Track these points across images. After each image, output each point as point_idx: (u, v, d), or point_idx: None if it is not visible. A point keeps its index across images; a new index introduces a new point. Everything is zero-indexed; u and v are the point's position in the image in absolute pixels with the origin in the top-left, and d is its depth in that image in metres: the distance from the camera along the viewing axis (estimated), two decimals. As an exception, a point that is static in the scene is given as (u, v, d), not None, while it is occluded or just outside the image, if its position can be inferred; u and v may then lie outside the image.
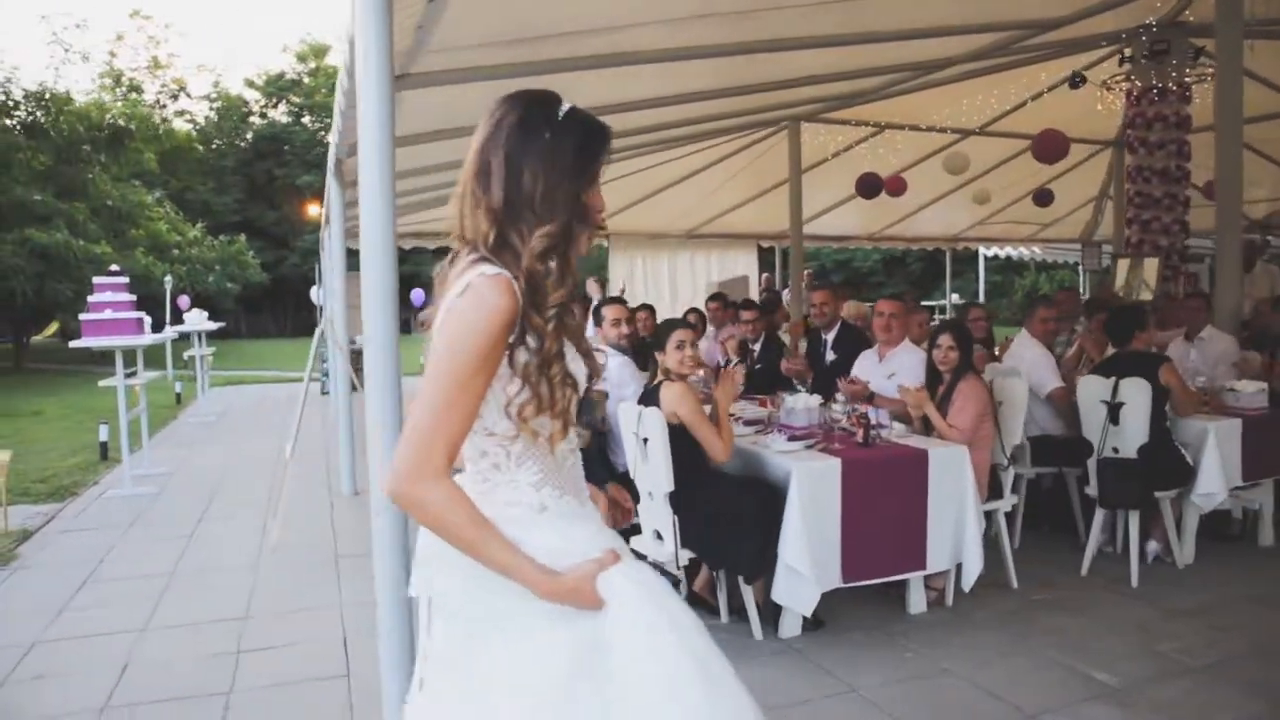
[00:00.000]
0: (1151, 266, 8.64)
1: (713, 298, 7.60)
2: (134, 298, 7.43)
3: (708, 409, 4.07)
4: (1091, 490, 4.75)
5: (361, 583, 4.77)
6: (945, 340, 4.53)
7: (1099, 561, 4.88)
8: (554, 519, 1.54)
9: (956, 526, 4.07)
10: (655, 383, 4.14)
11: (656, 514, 3.94)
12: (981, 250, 17.61)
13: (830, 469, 3.85)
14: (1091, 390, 4.77)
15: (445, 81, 5.78)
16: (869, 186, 10.48)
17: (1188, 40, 8.67)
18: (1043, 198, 12.47)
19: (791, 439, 4.16)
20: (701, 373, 5.15)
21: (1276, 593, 4.48)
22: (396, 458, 1.44)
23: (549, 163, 1.50)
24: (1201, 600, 4.39)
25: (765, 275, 14.30)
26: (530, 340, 1.48)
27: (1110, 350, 5.14)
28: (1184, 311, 5.97)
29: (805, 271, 17.14)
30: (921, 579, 4.23)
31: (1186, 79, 8.70)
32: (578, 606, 1.47)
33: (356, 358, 14.94)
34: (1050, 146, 8.82)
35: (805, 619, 3.98)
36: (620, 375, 4.56)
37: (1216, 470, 4.65)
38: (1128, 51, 8.66)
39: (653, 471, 3.86)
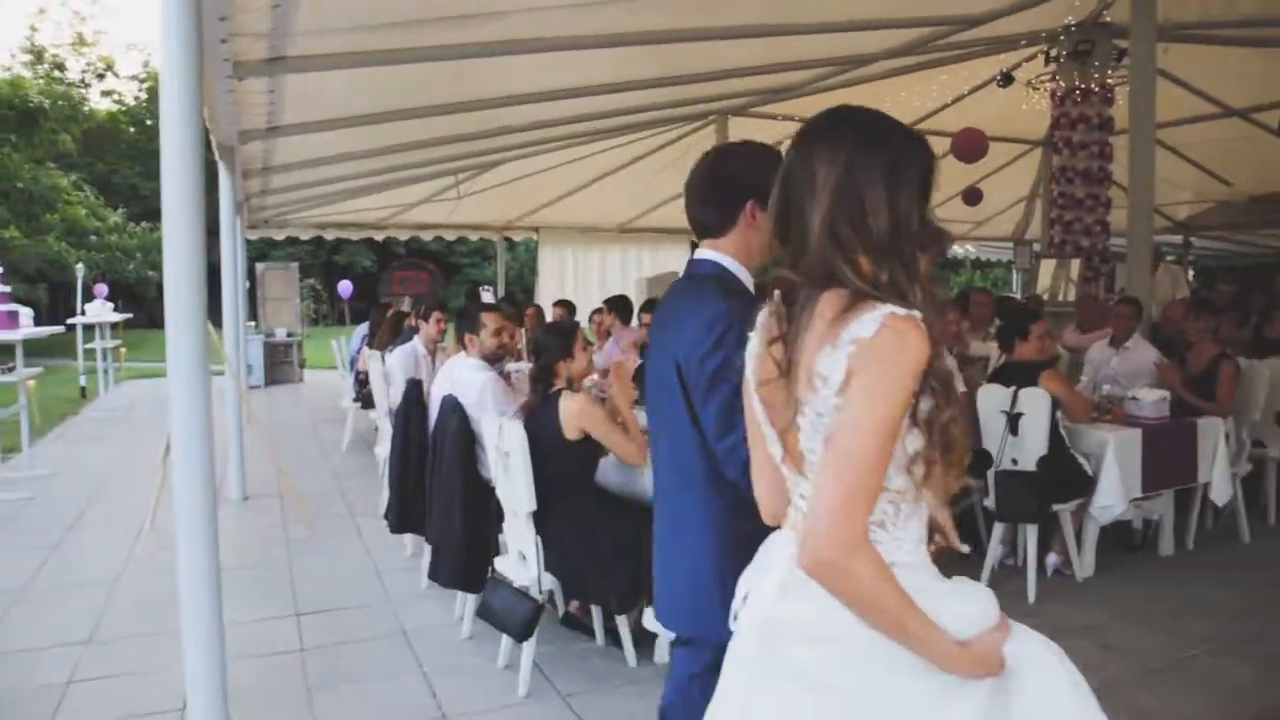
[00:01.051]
0: (1076, 267, 8.59)
1: (607, 303, 7.22)
2: (7, 289, 6.97)
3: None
4: (990, 503, 4.59)
5: (240, 600, 4.46)
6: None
7: (999, 575, 4.75)
8: (956, 585, 1.50)
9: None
10: (554, 391, 3.85)
11: (520, 534, 3.67)
12: (917, 248, 17.57)
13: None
14: (991, 400, 4.60)
15: (332, 66, 5.45)
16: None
17: (1111, 42, 8.61)
18: (971, 197, 12.41)
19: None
20: (596, 376, 4.91)
21: (1169, 608, 4.36)
22: (820, 522, 1.30)
23: (911, 189, 1.41)
24: (1094, 618, 4.26)
25: (696, 272, 14.11)
26: (934, 384, 1.35)
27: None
28: (1115, 319, 5.85)
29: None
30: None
31: (1109, 80, 8.65)
32: (980, 675, 1.38)
33: (274, 350, 14.58)
34: (970, 145, 8.70)
35: (684, 641, 3.75)
36: (484, 395, 4.17)
37: (1116, 482, 4.51)
38: (1053, 51, 8.58)
39: (514, 488, 3.59)
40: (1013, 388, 4.48)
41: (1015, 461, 4.50)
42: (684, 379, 1.94)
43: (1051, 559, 4.76)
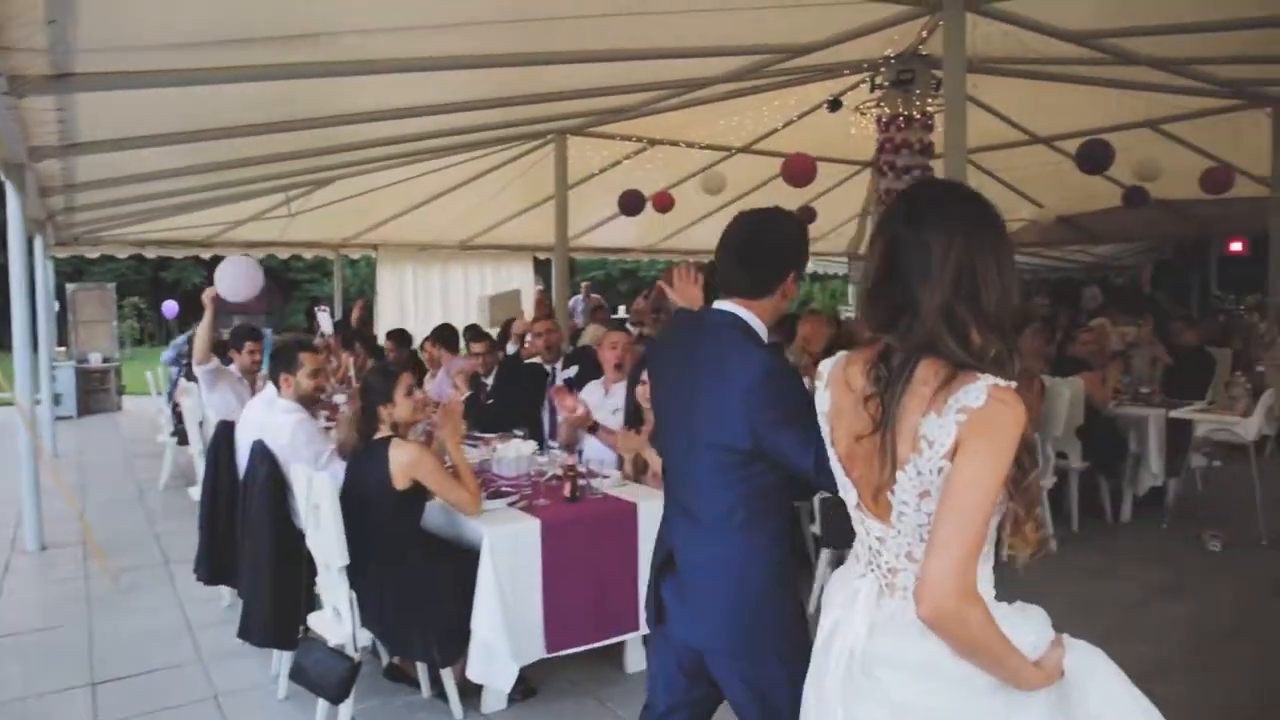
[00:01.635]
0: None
1: (433, 335, 6.92)
2: None
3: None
4: (816, 528, 4.68)
5: (23, 671, 4.05)
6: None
7: (828, 597, 4.85)
8: (1017, 609, 1.63)
9: (671, 581, 3.85)
10: (380, 438, 3.65)
11: (333, 588, 3.48)
12: (758, 262, 18.06)
13: (528, 532, 3.53)
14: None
15: (132, 85, 5.13)
16: (631, 204, 10.37)
17: (930, 72, 9.04)
18: (806, 215, 12.79)
19: (493, 495, 3.81)
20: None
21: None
22: (937, 578, 1.44)
23: (1010, 266, 1.55)
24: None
25: (539, 288, 14.00)
26: (1025, 450, 1.51)
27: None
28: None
29: (583, 284, 17.05)
30: (640, 635, 3.99)
31: (929, 108, 9.08)
32: (1044, 686, 1.56)
33: (87, 377, 13.52)
34: (798, 171, 8.96)
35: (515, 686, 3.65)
36: (295, 438, 3.92)
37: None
38: (877, 80, 8.92)
39: (325, 542, 3.41)
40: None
41: (838, 487, 4.60)
42: (743, 422, 2.07)
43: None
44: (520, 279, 13.92)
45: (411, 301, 13.39)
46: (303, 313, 17.47)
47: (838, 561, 4.85)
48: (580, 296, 16.02)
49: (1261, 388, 7.66)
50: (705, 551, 2.17)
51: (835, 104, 9.50)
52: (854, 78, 9.15)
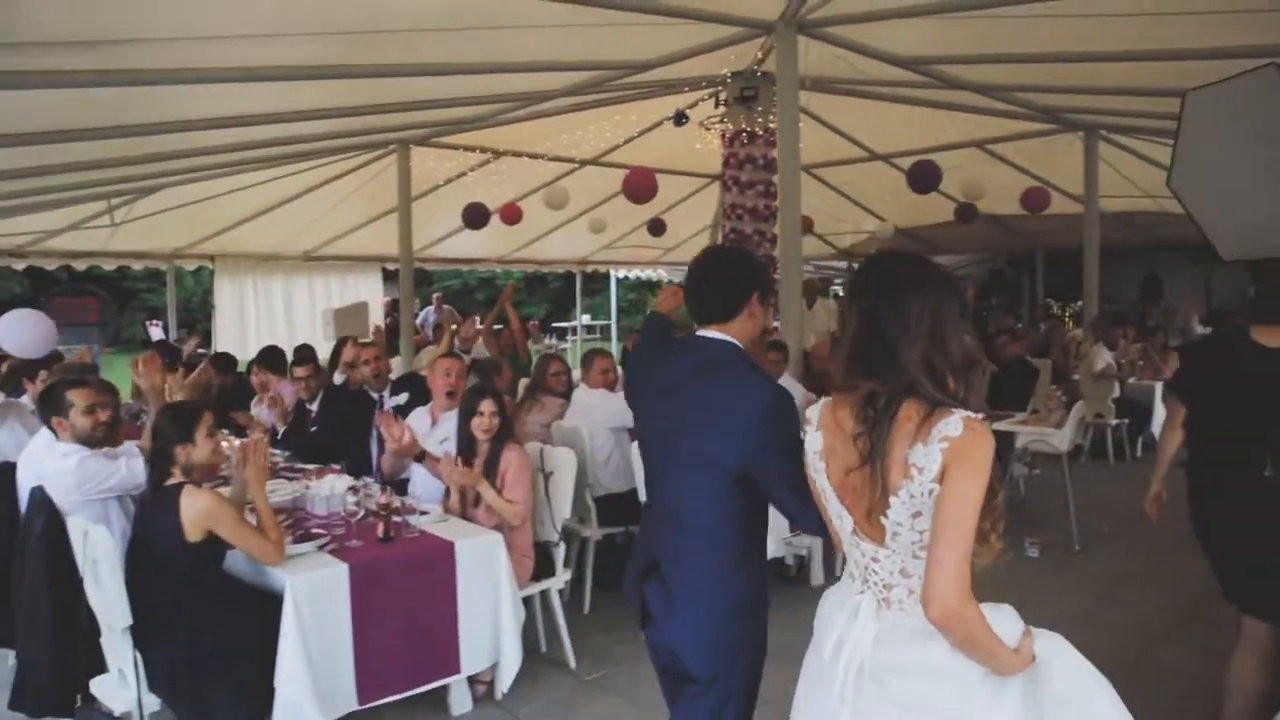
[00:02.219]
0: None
1: (259, 358, 6.54)
2: None
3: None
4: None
5: None
6: (487, 406, 4.19)
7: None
8: (991, 608, 1.85)
9: (493, 621, 3.74)
10: (172, 484, 3.33)
11: (117, 649, 3.21)
12: (613, 271, 18.10)
13: (335, 578, 3.35)
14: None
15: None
16: (474, 217, 10.19)
17: (772, 89, 9.23)
18: (655, 227, 12.91)
19: (302, 538, 3.61)
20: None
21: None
22: (942, 584, 1.69)
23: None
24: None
25: (388, 300, 13.62)
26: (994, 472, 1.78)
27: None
28: (768, 364, 6.16)
29: (435, 295, 16.70)
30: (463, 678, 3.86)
31: (772, 125, 9.27)
32: (1021, 671, 1.82)
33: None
34: (638, 187, 9.00)
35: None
36: (80, 481, 3.57)
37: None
38: (722, 95, 9.04)
39: (106, 601, 3.14)
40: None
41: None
42: (738, 448, 2.23)
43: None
44: (368, 291, 13.49)
45: (253, 315, 12.78)
46: (139, 324, 16.44)
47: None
48: (432, 308, 15.68)
49: (1076, 397, 8.14)
50: (690, 561, 2.34)
51: (681, 118, 9.57)
52: (701, 92, 9.25)
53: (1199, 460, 3.42)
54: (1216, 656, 3.52)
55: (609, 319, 20.47)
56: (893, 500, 1.79)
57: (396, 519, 3.69)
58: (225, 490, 3.72)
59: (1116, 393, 9.07)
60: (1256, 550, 3.12)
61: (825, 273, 17.64)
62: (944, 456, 1.72)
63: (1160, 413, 9.19)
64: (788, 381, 6.04)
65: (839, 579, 2.10)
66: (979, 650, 1.77)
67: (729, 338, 2.37)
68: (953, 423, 1.73)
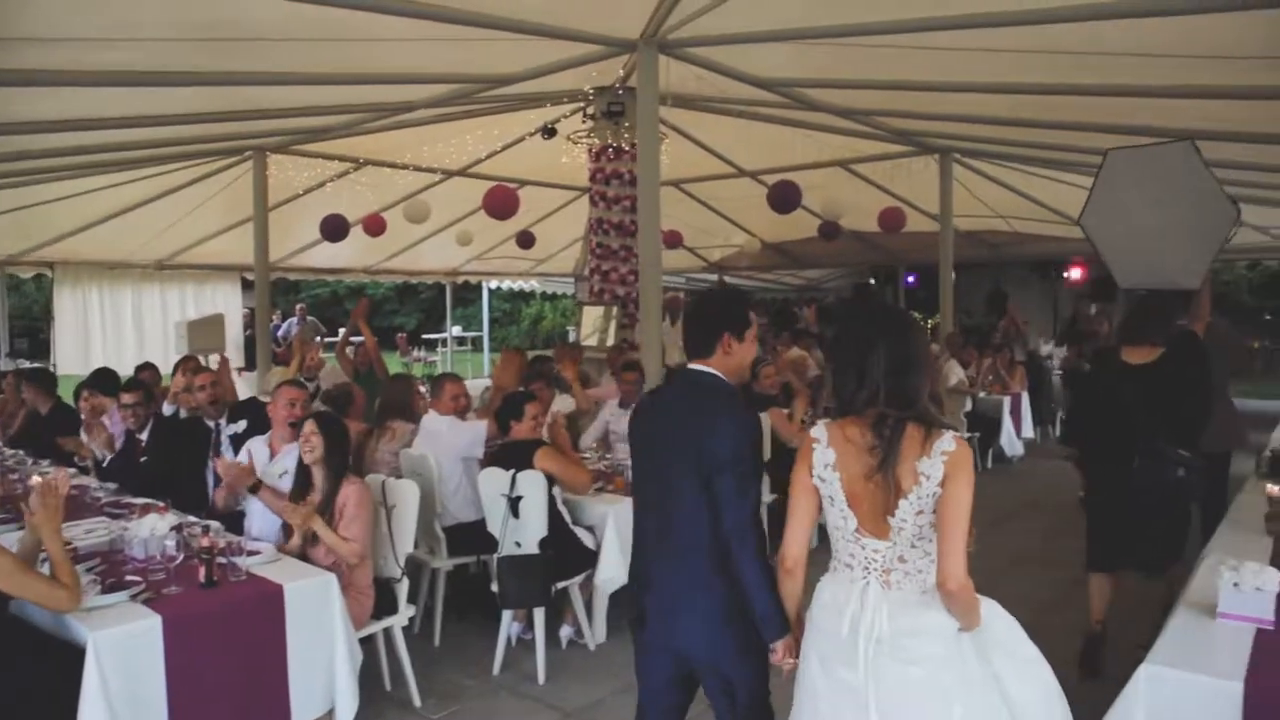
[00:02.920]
0: (611, 313, 9.07)
1: (90, 382, 5.99)
2: None
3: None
4: (495, 588, 4.53)
5: None
6: (308, 428, 4.00)
7: (518, 653, 4.73)
8: None
9: (327, 666, 3.56)
10: None
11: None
12: (485, 282, 17.85)
13: (147, 631, 3.11)
14: (491, 484, 4.57)
15: None
16: (333, 228, 9.88)
17: (638, 105, 9.24)
18: (524, 240, 12.79)
19: (113, 586, 3.34)
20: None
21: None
22: (957, 567, 2.23)
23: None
24: (596, 695, 4.36)
25: (246, 311, 13.05)
26: None
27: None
28: (620, 384, 6.12)
29: (298, 306, 16.12)
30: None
31: (638, 140, 9.28)
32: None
33: None
34: (498, 204, 8.92)
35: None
36: None
37: (616, 554, 4.67)
38: (589, 110, 9.00)
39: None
40: (511, 470, 4.47)
41: (519, 545, 4.49)
42: (711, 465, 2.53)
43: (565, 630, 4.84)
44: (226, 302, 12.89)
45: (98, 328, 12.01)
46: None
47: (529, 612, 4.81)
48: (295, 319, 15.13)
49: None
50: (690, 577, 2.61)
51: (549, 132, 9.51)
52: (570, 106, 9.19)
53: (1093, 459, 4.46)
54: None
55: (481, 330, 20.17)
56: (902, 502, 2.27)
57: (221, 560, 3.48)
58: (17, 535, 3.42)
59: (968, 406, 9.44)
60: (1138, 519, 4.16)
61: (698, 285, 17.84)
62: (945, 467, 2.24)
63: (1009, 426, 9.62)
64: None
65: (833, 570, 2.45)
66: (970, 613, 2.31)
67: (711, 369, 2.70)
68: (948, 440, 2.27)
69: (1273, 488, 4.03)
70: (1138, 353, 4.18)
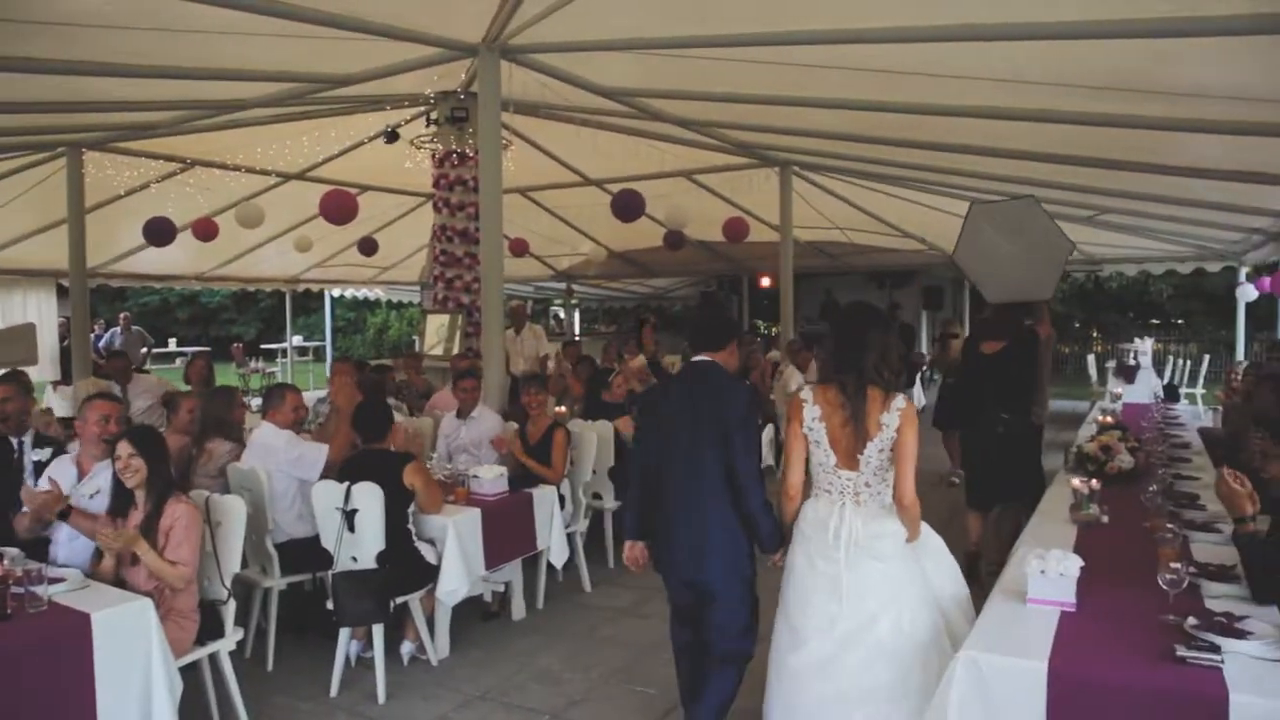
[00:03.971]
0: (456, 320, 8.92)
1: None
2: None
3: None
4: (331, 605, 4.36)
5: None
6: (123, 449, 3.74)
7: (357, 672, 4.56)
8: None
9: (142, 699, 3.31)
10: None
11: None
12: (328, 290, 17.25)
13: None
14: (325, 496, 4.40)
15: None
16: (157, 231, 9.34)
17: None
18: (366, 247, 12.44)
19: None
20: None
21: (514, 682, 4.54)
22: (910, 489, 3.19)
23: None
24: (439, 710, 4.25)
25: (62, 320, 12.14)
26: None
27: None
28: (458, 392, 6.01)
29: (122, 315, 15.14)
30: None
31: (480, 147, 9.16)
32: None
33: None
34: (335, 208, 8.66)
35: None
36: None
37: (458, 566, 4.58)
38: (433, 115, 8.83)
39: None
40: (346, 483, 4.31)
41: (355, 559, 4.34)
42: (724, 427, 3.39)
43: (406, 646, 4.70)
44: (40, 310, 11.95)
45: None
46: None
47: (368, 629, 4.64)
48: (119, 329, 14.21)
49: (771, 417, 8.66)
50: (710, 519, 3.43)
51: (392, 136, 9.27)
52: (413, 110, 8.99)
53: (964, 428, 6.47)
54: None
55: (324, 339, 19.43)
56: (869, 444, 3.19)
57: (17, 590, 3.19)
58: None
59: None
60: (1000, 469, 5.65)
61: (546, 293, 17.80)
62: (899, 419, 3.19)
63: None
64: (481, 412, 5.93)
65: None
66: (915, 523, 3.27)
67: (716, 359, 3.55)
68: (900, 400, 3.23)
69: (1077, 481, 4.34)
70: (990, 345, 5.71)
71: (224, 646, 3.95)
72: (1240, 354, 13.37)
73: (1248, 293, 12.11)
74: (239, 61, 6.62)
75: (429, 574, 4.57)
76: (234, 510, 4.00)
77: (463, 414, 5.89)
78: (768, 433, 7.71)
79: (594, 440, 5.99)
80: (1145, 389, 10.07)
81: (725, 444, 3.35)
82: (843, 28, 5.10)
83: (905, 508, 3.19)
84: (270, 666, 4.68)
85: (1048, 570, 3.12)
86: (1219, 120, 5.38)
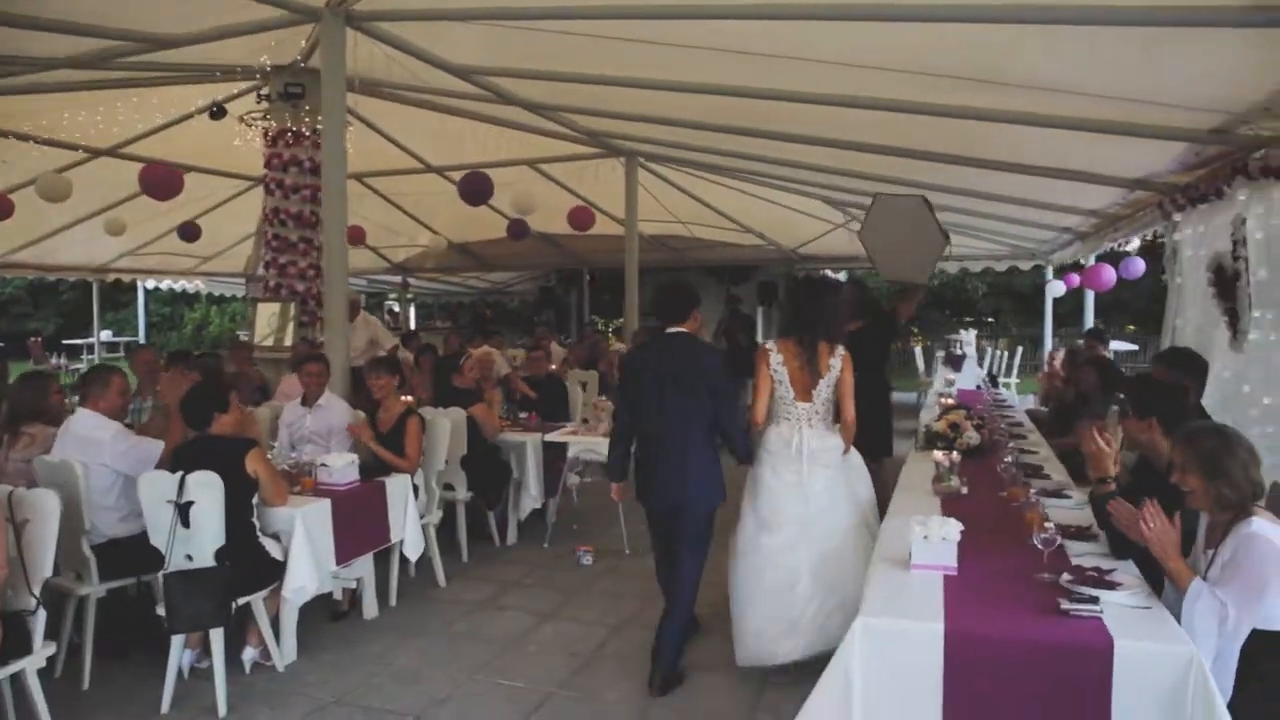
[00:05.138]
0: (289, 310, 8.38)
1: None
2: None
3: None
4: (162, 610, 3.92)
5: None
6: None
7: (193, 685, 4.13)
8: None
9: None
10: None
11: None
12: (141, 281, 15.91)
13: None
14: (155, 488, 3.95)
15: None
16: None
17: (320, 87, 8.60)
18: (188, 232, 11.56)
19: None
20: None
21: (368, 685, 4.22)
22: (851, 411, 4.30)
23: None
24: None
25: None
26: None
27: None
28: (304, 377, 5.58)
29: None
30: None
31: (320, 125, 8.65)
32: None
33: None
34: (158, 181, 7.99)
35: None
36: None
37: (307, 561, 4.23)
38: (265, 90, 8.26)
39: None
40: (180, 473, 3.89)
41: (190, 558, 3.92)
42: (707, 384, 4.24)
43: (249, 653, 4.29)
44: None
45: None
46: None
47: (203, 638, 4.20)
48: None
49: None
50: (694, 456, 4.22)
51: (219, 111, 8.60)
52: (242, 85, 8.37)
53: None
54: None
55: (137, 335, 17.84)
56: (820, 381, 4.27)
57: None
58: None
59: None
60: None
61: (381, 287, 17.12)
62: (841, 363, 4.29)
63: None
64: (329, 399, 5.55)
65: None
66: (851, 438, 4.32)
67: (685, 330, 4.32)
68: (840, 350, 4.34)
69: (939, 454, 4.47)
70: (852, 324, 5.98)
71: (31, 664, 3.45)
72: (1048, 347, 14.40)
73: (1056, 288, 13.05)
74: (34, 7, 5.88)
75: (274, 571, 4.19)
76: (44, 507, 3.50)
77: (308, 401, 5.47)
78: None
79: (447, 428, 5.70)
80: (971, 376, 10.65)
81: (707, 397, 4.21)
82: (689, 2, 5.00)
83: (848, 424, 4.30)
84: (86, 685, 4.16)
85: (930, 536, 3.16)
86: (1051, 115, 5.56)
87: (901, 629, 2.70)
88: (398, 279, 16.70)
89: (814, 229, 12.70)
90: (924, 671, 2.63)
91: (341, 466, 4.72)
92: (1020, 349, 15.50)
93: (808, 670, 3.52)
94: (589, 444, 6.44)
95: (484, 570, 5.97)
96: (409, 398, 5.98)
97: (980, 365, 12.68)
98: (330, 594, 4.87)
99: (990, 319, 23.05)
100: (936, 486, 4.37)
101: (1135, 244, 9.52)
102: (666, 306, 4.32)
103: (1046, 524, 3.19)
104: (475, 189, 9.10)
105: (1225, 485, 2.79)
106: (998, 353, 15.58)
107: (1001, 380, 13.10)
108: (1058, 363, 8.38)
